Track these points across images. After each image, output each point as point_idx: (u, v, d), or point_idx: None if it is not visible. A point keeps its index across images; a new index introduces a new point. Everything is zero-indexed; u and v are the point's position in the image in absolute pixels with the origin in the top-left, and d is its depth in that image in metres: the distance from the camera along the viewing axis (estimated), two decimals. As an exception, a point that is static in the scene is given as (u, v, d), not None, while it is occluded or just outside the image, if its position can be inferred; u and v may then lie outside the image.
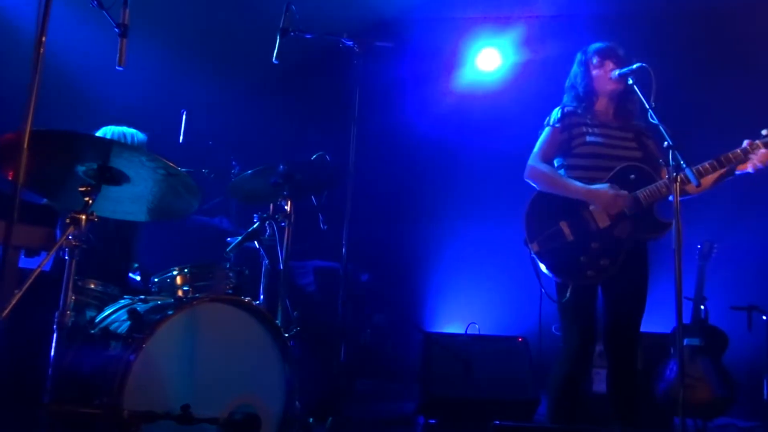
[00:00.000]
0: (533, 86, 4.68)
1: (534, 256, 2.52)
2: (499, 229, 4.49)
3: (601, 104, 2.66)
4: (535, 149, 2.67)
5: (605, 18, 4.54)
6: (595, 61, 2.63)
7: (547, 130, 2.67)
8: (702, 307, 3.81)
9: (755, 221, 4.30)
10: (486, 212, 4.76)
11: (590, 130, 2.61)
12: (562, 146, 2.64)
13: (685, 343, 3.74)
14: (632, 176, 2.52)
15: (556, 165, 2.69)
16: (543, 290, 2.54)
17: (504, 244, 4.25)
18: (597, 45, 2.67)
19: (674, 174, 2.21)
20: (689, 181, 2.27)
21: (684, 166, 2.22)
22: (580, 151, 2.60)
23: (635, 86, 2.43)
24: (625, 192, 2.50)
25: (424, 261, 5.12)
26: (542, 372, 3.77)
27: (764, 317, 3.87)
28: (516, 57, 4.98)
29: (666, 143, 2.25)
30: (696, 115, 4.28)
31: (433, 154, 4.95)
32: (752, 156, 2.42)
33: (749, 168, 2.44)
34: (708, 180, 2.53)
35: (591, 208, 2.52)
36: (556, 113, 2.67)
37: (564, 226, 2.51)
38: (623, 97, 2.62)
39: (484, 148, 4.87)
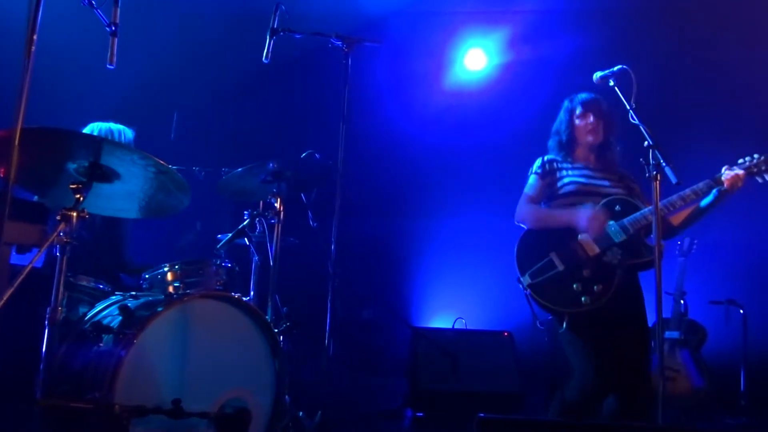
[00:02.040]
0: (521, 82, 4.73)
1: (528, 291, 2.53)
2: (485, 225, 4.55)
3: (582, 152, 2.76)
4: (522, 196, 2.74)
5: (601, 13, 4.56)
6: (578, 111, 2.74)
7: (531, 177, 2.76)
8: (682, 301, 3.91)
9: (734, 219, 4.38)
10: (473, 209, 4.81)
11: (571, 172, 2.70)
12: (547, 191, 2.72)
13: (665, 336, 3.83)
14: (617, 208, 2.58)
15: None
16: (537, 322, 2.58)
17: (490, 240, 4.32)
18: (583, 96, 2.76)
19: (654, 173, 2.25)
20: (670, 180, 2.28)
21: (664, 164, 2.25)
22: (564, 191, 2.68)
23: (616, 88, 2.48)
24: (602, 209, 2.55)
25: (412, 257, 5.16)
26: (530, 365, 3.85)
27: (741, 311, 3.97)
28: (504, 54, 5.00)
29: (646, 142, 2.29)
30: (692, 111, 4.34)
31: (421, 151, 4.98)
32: (725, 178, 2.49)
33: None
34: (681, 216, 2.60)
35: (579, 238, 2.55)
36: (538, 162, 2.77)
37: (554, 256, 2.55)
38: (603, 148, 2.72)
39: (471, 144, 4.91)
